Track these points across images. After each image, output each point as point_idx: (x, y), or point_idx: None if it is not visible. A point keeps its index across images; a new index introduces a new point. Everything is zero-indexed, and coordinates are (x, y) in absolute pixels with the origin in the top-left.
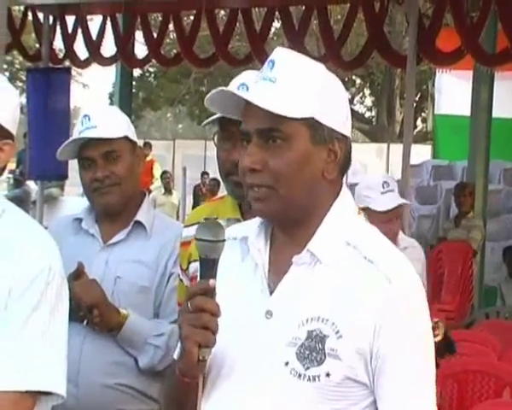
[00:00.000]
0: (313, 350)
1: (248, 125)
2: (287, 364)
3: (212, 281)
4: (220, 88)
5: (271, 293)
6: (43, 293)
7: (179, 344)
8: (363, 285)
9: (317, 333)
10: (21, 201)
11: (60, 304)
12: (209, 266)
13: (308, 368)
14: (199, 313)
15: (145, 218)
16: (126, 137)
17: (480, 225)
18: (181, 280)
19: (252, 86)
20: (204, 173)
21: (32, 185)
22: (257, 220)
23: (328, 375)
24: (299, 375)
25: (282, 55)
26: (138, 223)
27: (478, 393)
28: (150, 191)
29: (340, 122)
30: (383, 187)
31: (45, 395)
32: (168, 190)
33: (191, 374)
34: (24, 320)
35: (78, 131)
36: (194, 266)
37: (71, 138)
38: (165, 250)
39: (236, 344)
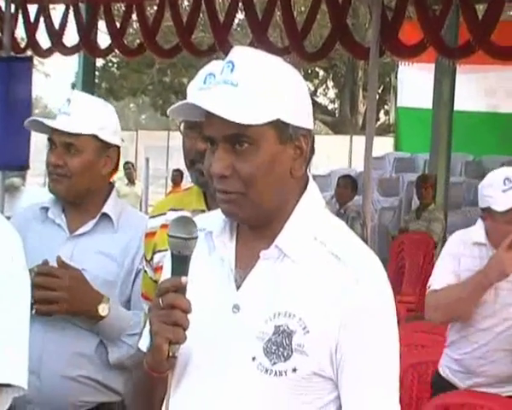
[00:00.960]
0: (280, 345)
1: (213, 131)
2: (254, 359)
3: (184, 278)
4: (184, 101)
5: (238, 287)
6: (4, 285)
7: (146, 336)
8: (330, 282)
9: (284, 328)
10: None
11: (21, 296)
12: (181, 263)
13: (275, 363)
14: (170, 309)
15: (112, 210)
16: (95, 136)
17: (440, 217)
18: (145, 271)
19: (213, 90)
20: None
21: None
22: (220, 213)
23: (294, 370)
24: (266, 370)
25: (241, 56)
26: (105, 215)
27: None
28: (113, 182)
29: (304, 117)
30: (504, 184)
31: (6, 387)
32: (131, 181)
33: (160, 369)
34: None
35: (58, 110)
36: (159, 257)
37: (34, 117)
38: (133, 244)
39: (204, 339)
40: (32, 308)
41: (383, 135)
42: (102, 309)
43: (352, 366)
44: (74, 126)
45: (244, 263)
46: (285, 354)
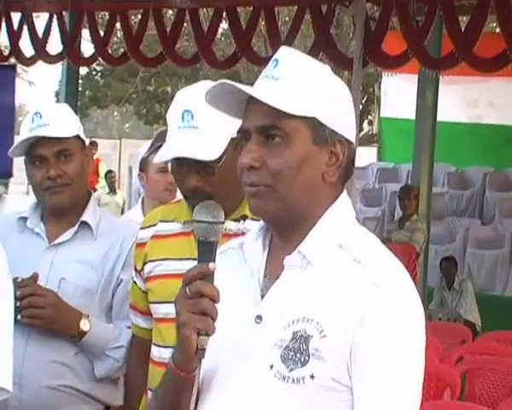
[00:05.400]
0: (297, 351)
1: (248, 122)
2: (271, 367)
3: (211, 264)
4: (222, 81)
5: (263, 298)
6: None
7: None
8: (348, 286)
9: (302, 334)
10: None
11: (4, 302)
12: (208, 249)
13: (292, 370)
14: (198, 298)
15: (91, 218)
16: (78, 136)
17: (422, 227)
18: (134, 282)
19: (254, 86)
20: None
21: None
22: (256, 227)
23: (312, 377)
24: (283, 377)
25: (286, 54)
26: (84, 223)
27: None
28: (95, 191)
29: (344, 125)
30: None
31: None
32: (113, 190)
33: (188, 367)
34: None
35: (29, 128)
36: (150, 267)
37: (24, 137)
38: (113, 252)
39: (228, 351)
40: (15, 316)
41: (366, 145)
42: (84, 324)
43: (363, 370)
44: (63, 131)
45: (272, 274)
46: (302, 359)
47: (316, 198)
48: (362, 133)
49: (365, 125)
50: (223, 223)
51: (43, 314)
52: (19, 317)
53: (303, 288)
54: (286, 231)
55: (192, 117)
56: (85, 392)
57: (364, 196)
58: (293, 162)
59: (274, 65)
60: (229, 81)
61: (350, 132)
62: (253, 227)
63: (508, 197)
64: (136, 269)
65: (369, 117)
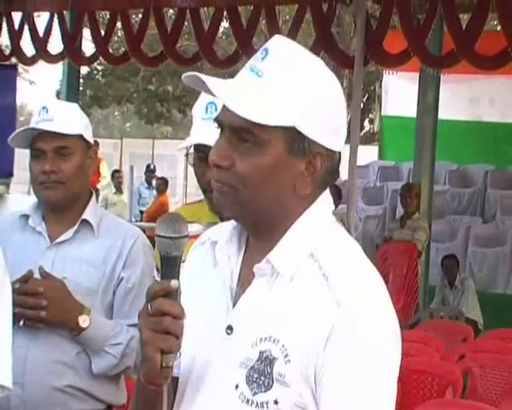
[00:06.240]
0: (262, 374)
1: (224, 115)
2: (236, 387)
3: (173, 282)
4: (194, 73)
5: (234, 306)
6: None
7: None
8: (314, 305)
9: (267, 355)
10: None
11: (1, 298)
12: (171, 265)
13: (256, 393)
14: (160, 316)
15: (92, 217)
16: (81, 136)
17: (424, 225)
18: (156, 281)
19: (238, 75)
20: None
21: None
22: (230, 224)
23: (276, 403)
24: (247, 400)
25: (278, 47)
26: (85, 222)
27: (421, 392)
28: (97, 190)
29: (327, 135)
30: None
31: None
32: (119, 190)
33: (156, 381)
34: None
35: (35, 121)
36: None
37: (24, 127)
38: (113, 250)
39: (197, 361)
40: (14, 321)
41: (368, 144)
42: (83, 320)
43: (327, 395)
44: (65, 128)
45: (245, 280)
46: (266, 383)
47: (284, 208)
48: (363, 132)
49: (366, 123)
50: (186, 236)
51: (36, 305)
52: (21, 323)
53: (272, 301)
54: (255, 231)
55: (216, 109)
56: (87, 391)
57: (366, 194)
58: (262, 169)
59: (263, 56)
60: (201, 77)
61: (334, 141)
62: (227, 224)
63: (509, 195)
64: (157, 269)
65: (370, 115)
